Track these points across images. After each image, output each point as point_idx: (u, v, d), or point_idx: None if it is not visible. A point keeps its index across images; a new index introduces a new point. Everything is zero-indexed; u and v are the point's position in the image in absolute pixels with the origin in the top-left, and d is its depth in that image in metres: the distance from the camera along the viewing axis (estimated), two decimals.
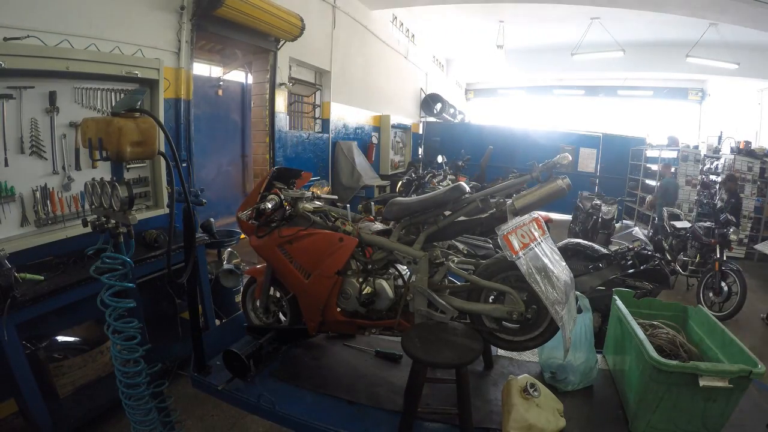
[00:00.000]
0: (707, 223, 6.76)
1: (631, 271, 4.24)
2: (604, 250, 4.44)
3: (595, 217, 8.21)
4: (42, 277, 2.86)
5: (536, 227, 2.19)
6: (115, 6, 4.27)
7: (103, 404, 3.22)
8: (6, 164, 3.02)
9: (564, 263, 2.25)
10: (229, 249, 4.95)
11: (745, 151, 9.45)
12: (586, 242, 4.67)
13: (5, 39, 3.16)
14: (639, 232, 5.09)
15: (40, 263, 3.06)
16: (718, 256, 6.21)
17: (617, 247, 4.64)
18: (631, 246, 4.53)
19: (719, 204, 8.07)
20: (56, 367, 3.20)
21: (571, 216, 9.74)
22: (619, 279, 4.17)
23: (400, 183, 8.52)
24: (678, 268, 6.89)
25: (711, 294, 6.07)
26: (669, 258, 6.84)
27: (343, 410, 2.26)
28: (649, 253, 4.45)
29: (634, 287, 4.14)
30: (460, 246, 2.71)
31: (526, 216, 2.17)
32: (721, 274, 6.00)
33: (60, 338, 3.43)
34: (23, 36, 3.30)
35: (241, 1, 5.39)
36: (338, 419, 2.18)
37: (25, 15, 3.47)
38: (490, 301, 2.32)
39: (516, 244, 1.99)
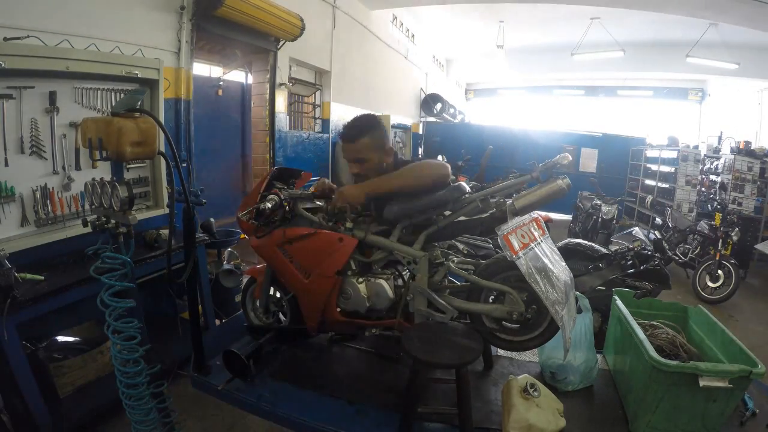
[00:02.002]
0: (713, 222, 7.17)
1: (631, 271, 4.25)
2: (604, 250, 4.44)
3: (595, 217, 8.23)
4: (42, 277, 2.86)
5: (536, 227, 2.19)
6: (115, 6, 4.27)
7: (104, 404, 3.22)
8: (6, 164, 3.02)
9: (564, 263, 2.25)
10: (229, 249, 4.95)
11: (745, 151, 9.42)
12: (585, 242, 4.68)
13: (5, 39, 3.16)
14: (639, 232, 5.11)
15: (40, 263, 3.06)
16: (720, 247, 6.72)
17: (617, 247, 4.64)
18: (631, 246, 4.53)
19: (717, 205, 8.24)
20: (56, 367, 3.20)
21: (570, 216, 9.75)
22: (619, 279, 4.17)
23: None
24: (679, 255, 7.42)
25: (708, 279, 6.60)
26: (668, 248, 7.06)
27: (343, 410, 2.26)
28: (649, 253, 4.46)
29: (634, 287, 4.14)
30: (460, 246, 2.71)
31: (526, 216, 2.17)
32: (719, 264, 6.53)
33: (60, 338, 3.43)
34: (23, 36, 3.29)
35: (241, 1, 5.39)
36: (338, 419, 2.18)
37: (25, 15, 3.47)
38: (490, 301, 2.32)
39: (516, 244, 1.99)
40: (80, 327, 3.54)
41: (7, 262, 2.64)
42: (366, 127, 2.46)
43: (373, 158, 2.45)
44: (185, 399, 3.47)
